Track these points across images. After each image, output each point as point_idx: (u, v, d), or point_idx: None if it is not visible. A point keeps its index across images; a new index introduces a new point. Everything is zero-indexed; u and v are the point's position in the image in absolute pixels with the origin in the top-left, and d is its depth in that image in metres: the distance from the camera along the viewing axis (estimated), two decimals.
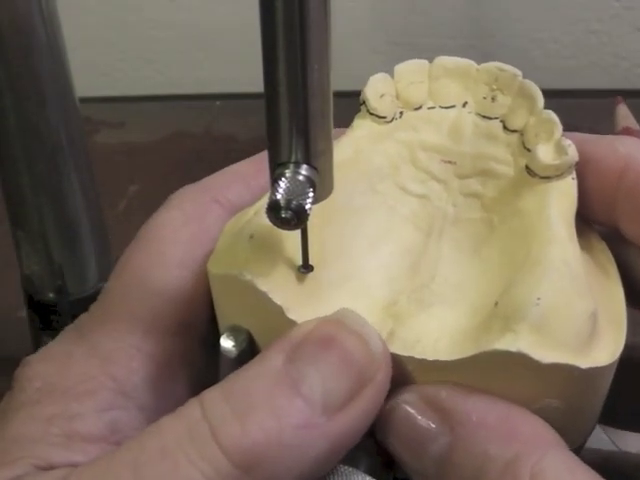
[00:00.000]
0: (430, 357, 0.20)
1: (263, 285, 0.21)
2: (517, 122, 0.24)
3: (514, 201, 0.23)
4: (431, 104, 0.26)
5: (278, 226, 0.20)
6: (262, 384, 0.19)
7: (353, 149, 0.24)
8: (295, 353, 0.19)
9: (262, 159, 0.26)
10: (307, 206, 0.20)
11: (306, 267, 0.22)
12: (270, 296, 0.21)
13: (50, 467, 0.20)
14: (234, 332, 0.22)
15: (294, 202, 0.19)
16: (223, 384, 0.19)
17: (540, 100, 0.24)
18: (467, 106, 0.25)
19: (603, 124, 0.64)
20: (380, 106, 0.25)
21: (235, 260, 0.21)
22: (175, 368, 0.23)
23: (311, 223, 0.21)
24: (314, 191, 0.20)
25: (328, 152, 0.20)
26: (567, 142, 0.22)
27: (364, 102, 0.25)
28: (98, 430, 0.21)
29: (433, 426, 0.20)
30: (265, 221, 0.21)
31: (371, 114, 0.25)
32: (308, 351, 0.19)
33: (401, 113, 0.25)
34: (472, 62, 0.26)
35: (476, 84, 0.25)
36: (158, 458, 0.18)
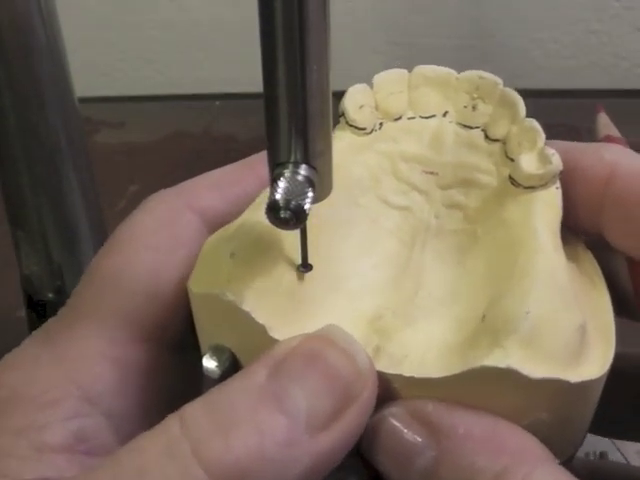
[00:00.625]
0: (418, 375, 0.20)
1: (246, 305, 0.20)
2: (499, 131, 0.24)
3: (498, 211, 0.23)
4: (411, 114, 0.25)
5: (277, 226, 0.20)
6: (245, 400, 0.19)
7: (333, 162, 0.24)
8: (279, 369, 0.19)
9: (242, 167, 0.26)
10: (306, 206, 0.20)
11: (305, 266, 0.22)
12: (253, 315, 0.20)
13: None
14: (217, 351, 0.21)
15: (293, 202, 0.19)
16: (204, 398, 0.19)
17: (522, 108, 0.24)
18: (448, 115, 0.25)
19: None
20: (359, 117, 0.24)
21: (216, 279, 0.21)
22: (144, 375, 0.23)
23: (288, 237, 0.21)
24: (313, 191, 0.20)
25: (327, 152, 0.20)
26: (551, 151, 0.22)
27: (343, 113, 0.25)
28: (65, 440, 0.21)
29: (419, 439, 0.19)
30: (247, 238, 0.21)
31: (350, 125, 0.24)
32: (292, 367, 0.19)
33: (381, 124, 0.25)
34: (452, 71, 0.25)
35: (456, 93, 0.25)
36: (136, 478, 0.18)
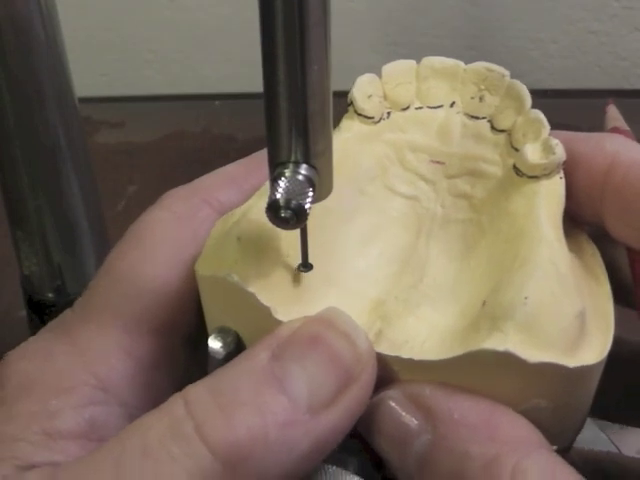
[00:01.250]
0: (417, 357, 0.20)
1: (251, 286, 0.21)
2: (505, 122, 0.24)
3: (503, 202, 0.23)
4: (419, 104, 0.25)
5: (277, 225, 0.20)
6: (247, 381, 0.19)
7: (340, 150, 0.24)
8: (281, 350, 0.19)
9: (254, 161, 0.26)
10: (307, 206, 0.20)
11: (305, 265, 0.22)
12: (258, 297, 0.21)
13: (31, 467, 0.20)
14: (222, 333, 0.22)
15: (293, 202, 0.19)
16: (207, 380, 0.19)
17: (528, 100, 0.24)
18: (455, 106, 0.25)
19: (603, 124, 0.64)
20: (368, 107, 0.25)
21: (223, 262, 0.21)
22: (158, 366, 0.23)
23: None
24: (313, 191, 0.20)
25: (327, 152, 0.20)
26: (555, 141, 0.22)
27: (351, 103, 0.25)
28: (78, 427, 0.21)
29: (415, 422, 0.20)
30: (253, 222, 0.21)
31: (359, 115, 0.25)
32: (294, 349, 0.19)
33: (389, 114, 0.25)
34: (460, 62, 0.26)
35: (464, 84, 0.25)
36: (140, 457, 0.18)
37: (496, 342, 0.19)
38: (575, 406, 0.21)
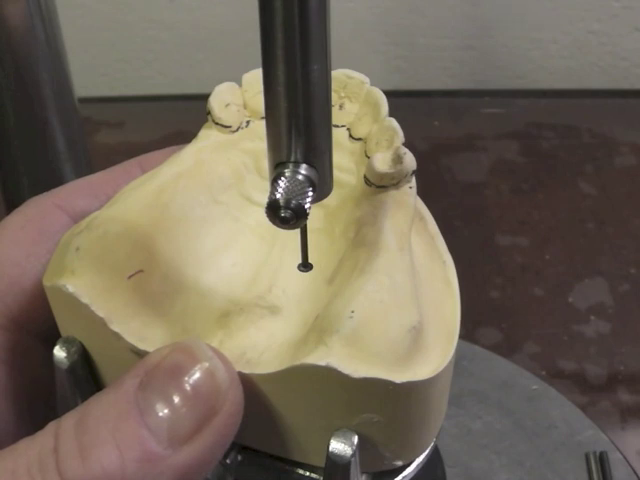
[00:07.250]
0: (246, 370, 0.20)
1: (86, 297, 0.21)
2: (361, 130, 0.24)
3: (354, 211, 0.23)
4: None
5: (277, 225, 0.20)
6: (112, 413, 0.19)
7: (194, 160, 0.24)
8: (148, 379, 0.20)
9: (117, 170, 0.26)
10: (306, 205, 0.20)
11: (306, 265, 0.22)
12: (92, 308, 0.21)
13: None
14: (67, 343, 0.22)
15: (293, 201, 0.19)
16: (79, 410, 0.20)
17: (384, 107, 0.24)
18: None
19: (603, 124, 0.64)
20: (225, 116, 0.25)
21: (63, 272, 0.21)
22: (9, 363, 0.23)
23: (139, 233, 0.21)
24: (314, 190, 0.20)
25: (328, 152, 0.20)
26: (403, 150, 0.22)
27: (209, 112, 0.25)
28: None
29: None
30: (94, 232, 0.21)
31: (216, 124, 0.25)
32: (158, 380, 0.20)
33: (248, 122, 0.25)
34: None
35: None
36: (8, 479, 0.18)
37: (319, 356, 0.19)
38: (413, 421, 0.21)
